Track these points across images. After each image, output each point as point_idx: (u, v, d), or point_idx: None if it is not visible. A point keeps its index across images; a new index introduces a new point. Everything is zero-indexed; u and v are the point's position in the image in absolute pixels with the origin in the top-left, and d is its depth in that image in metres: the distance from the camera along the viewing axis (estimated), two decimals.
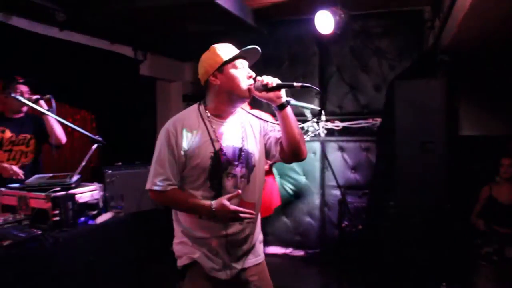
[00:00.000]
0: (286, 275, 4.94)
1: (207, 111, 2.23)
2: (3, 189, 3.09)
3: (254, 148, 2.28)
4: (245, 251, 2.27)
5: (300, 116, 3.93)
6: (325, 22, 4.71)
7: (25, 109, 3.75)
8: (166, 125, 2.19)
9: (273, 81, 2.10)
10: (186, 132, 2.15)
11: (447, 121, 4.27)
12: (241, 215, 2.10)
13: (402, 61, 5.28)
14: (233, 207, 2.09)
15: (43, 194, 2.85)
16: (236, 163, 2.20)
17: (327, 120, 5.22)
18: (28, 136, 3.76)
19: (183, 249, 2.24)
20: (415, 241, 4.22)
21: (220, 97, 2.20)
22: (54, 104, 3.53)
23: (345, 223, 5.08)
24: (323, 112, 3.71)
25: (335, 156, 5.51)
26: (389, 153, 4.62)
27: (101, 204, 3.26)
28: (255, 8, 5.16)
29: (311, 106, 3.67)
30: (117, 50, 5.84)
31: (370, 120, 5.39)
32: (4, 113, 3.75)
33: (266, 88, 2.10)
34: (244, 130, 2.28)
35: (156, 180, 2.14)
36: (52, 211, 2.80)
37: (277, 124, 2.22)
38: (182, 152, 2.14)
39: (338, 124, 5.50)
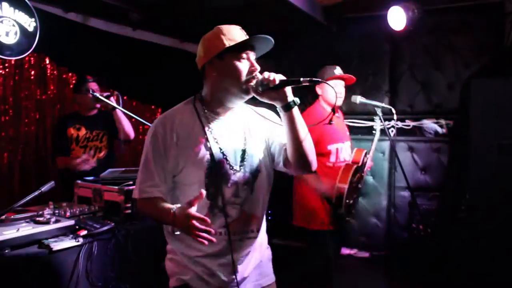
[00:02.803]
0: (351, 277, 4.85)
1: (203, 106, 1.88)
2: (79, 181, 3.24)
3: (259, 151, 1.91)
4: (248, 272, 1.91)
5: (370, 114, 3.86)
6: (397, 18, 4.58)
7: (98, 105, 3.91)
8: (153, 123, 1.87)
9: (275, 77, 1.71)
10: (177, 130, 1.81)
11: None
12: (200, 233, 1.57)
13: (479, 58, 5.00)
14: (196, 214, 1.58)
15: (116, 187, 2.95)
16: (238, 167, 1.84)
17: (397, 119, 5.06)
18: (101, 132, 3.94)
19: (174, 268, 1.90)
20: (486, 249, 4.01)
21: (215, 89, 1.85)
22: (121, 100, 3.72)
23: (413, 225, 4.92)
24: (394, 111, 3.57)
25: (404, 157, 5.32)
26: (463, 155, 4.42)
27: None
28: (325, 5, 5.09)
29: (382, 104, 3.57)
30: (187, 48, 5.98)
31: (442, 120, 5.16)
32: (80, 112, 3.95)
33: (267, 86, 1.73)
34: (247, 129, 1.92)
35: (143, 186, 1.81)
36: (124, 204, 2.89)
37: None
38: (172, 154, 1.79)
39: (408, 124, 5.33)
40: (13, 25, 3.45)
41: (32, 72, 4.32)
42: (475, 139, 4.18)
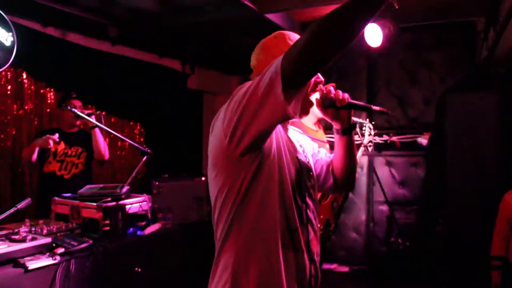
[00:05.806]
0: None
1: None
2: (56, 198, 3.19)
3: (313, 168, 1.73)
4: None
5: None
6: (374, 35, 4.65)
7: (78, 123, 3.92)
8: None
9: (345, 97, 1.58)
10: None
11: (502, 135, 4.10)
12: None
13: (453, 73, 5.16)
14: None
15: (95, 204, 2.91)
16: (311, 183, 1.64)
17: (375, 135, 5.13)
18: (80, 149, 3.91)
19: None
20: (464, 261, 4.05)
21: None
22: (102, 120, 3.72)
23: (392, 239, 4.96)
24: (371, 126, 3.62)
25: (382, 171, 5.40)
26: (439, 168, 4.48)
27: (149, 215, 3.31)
28: (303, 22, 5.15)
29: (359, 120, 3.60)
30: (166, 63, 5.97)
31: (422, 134, 5.26)
32: (61, 128, 3.90)
33: (333, 104, 1.59)
34: (301, 145, 1.73)
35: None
36: (103, 221, 2.85)
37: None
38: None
39: (386, 138, 5.40)
40: None
41: (9, 87, 4.25)
42: (451, 152, 4.26)
